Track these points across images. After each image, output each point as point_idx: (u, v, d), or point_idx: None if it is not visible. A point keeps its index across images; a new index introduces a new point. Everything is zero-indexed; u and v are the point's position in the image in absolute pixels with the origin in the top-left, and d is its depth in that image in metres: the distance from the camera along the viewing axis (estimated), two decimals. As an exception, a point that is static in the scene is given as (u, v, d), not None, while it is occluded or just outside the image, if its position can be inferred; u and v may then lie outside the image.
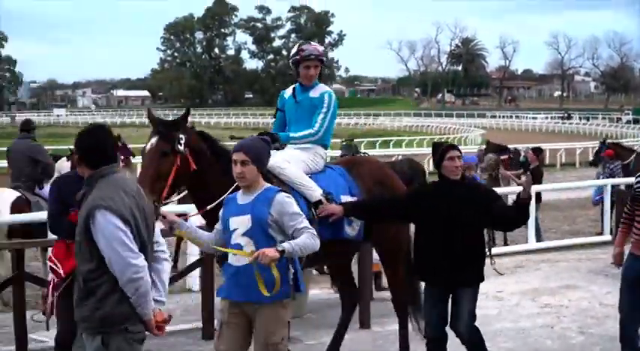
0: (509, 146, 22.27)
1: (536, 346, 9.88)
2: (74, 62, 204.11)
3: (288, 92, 8.22)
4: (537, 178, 18.22)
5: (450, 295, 7.40)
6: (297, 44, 8.31)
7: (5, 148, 13.99)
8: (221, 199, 6.88)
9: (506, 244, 16.04)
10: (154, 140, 6.83)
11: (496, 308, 11.42)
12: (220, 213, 6.52)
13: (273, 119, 8.66)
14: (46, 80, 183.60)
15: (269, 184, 6.49)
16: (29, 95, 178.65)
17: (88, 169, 5.64)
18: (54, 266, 6.97)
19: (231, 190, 6.84)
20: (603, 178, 18.83)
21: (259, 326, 6.26)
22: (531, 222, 15.70)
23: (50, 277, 7.22)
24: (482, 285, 12.40)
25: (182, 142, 6.91)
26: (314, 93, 8.00)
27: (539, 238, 16.93)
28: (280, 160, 7.47)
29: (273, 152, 7.27)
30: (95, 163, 5.62)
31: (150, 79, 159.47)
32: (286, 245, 5.95)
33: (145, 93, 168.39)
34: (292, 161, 7.60)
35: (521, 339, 10.06)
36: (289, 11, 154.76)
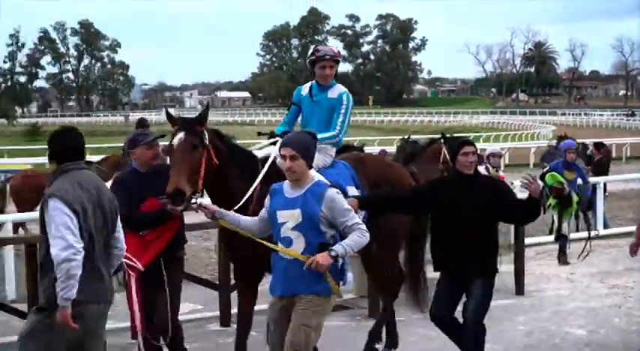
0: (578, 141, 21.37)
1: (604, 323, 9.73)
2: (182, 66, 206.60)
3: (305, 89, 7.84)
4: (601, 170, 18.47)
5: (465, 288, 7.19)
6: (314, 46, 8.03)
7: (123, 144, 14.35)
8: (244, 199, 6.60)
9: (577, 231, 15.40)
10: (182, 135, 6.47)
11: (568, 289, 11.41)
12: (266, 203, 6.17)
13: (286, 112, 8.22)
14: (156, 83, 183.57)
15: (317, 178, 6.22)
16: (141, 97, 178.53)
17: (56, 164, 5.73)
18: (130, 262, 6.58)
19: (252, 189, 6.61)
20: None
21: (299, 309, 5.94)
22: (600, 211, 15.70)
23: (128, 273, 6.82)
24: (556, 268, 11.40)
25: (206, 137, 6.65)
26: (332, 93, 7.68)
27: (605, 226, 16.63)
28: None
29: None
30: (61, 160, 5.67)
31: (250, 81, 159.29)
32: (339, 249, 5.71)
33: (246, 94, 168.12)
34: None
35: (591, 317, 9.95)
36: (376, 19, 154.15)
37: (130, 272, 6.56)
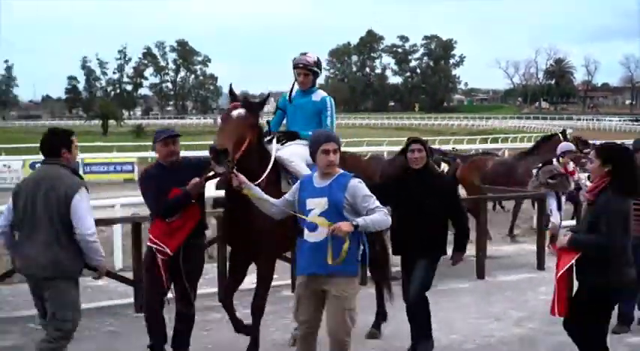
0: (590, 141, 20.40)
1: None
2: (261, 77, 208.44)
3: (288, 95, 7.37)
4: None
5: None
6: (294, 57, 7.43)
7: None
8: (258, 182, 6.08)
9: None
10: (242, 111, 6.11)
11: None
12: (293, 192, 5.73)
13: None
14: (240, 91, 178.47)
15: (342, 170, 5.77)
16: (227, 103, 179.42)
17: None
18: (159, 247, 6.19)
19: (264, 176, 6.22)
20: None
21: (335, 293, 5.53)
22: None
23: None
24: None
25: (259, 120, 6.44)
26: (316, 97, 7.18)
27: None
28: (288, 154, 6.83)
29: (279, 147, 6.89)
30: (44, 155, 5.84)
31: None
32: (360, 221, 5.34)
33: None
34: (296, 156, 6.84)
35: None
36: (423, 39, 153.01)
37: (160, 256, 6.14)
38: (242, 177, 5.75)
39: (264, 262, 6.53)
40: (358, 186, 5.53)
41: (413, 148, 6.61)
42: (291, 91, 7.28)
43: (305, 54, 7.12)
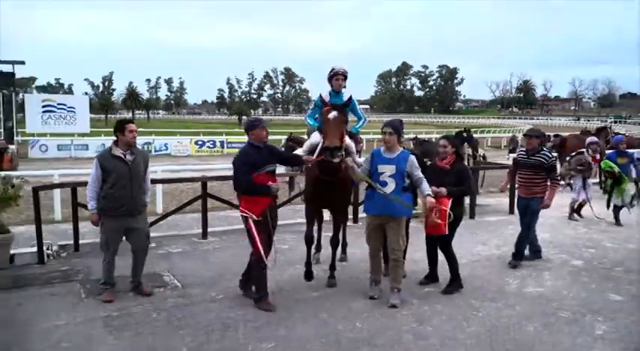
0: (547, 134, 16.95)
1: (561, 232, 9.55)
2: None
3: (325, 96, 6.69)
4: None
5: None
6: (331, 67, 6.99)
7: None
8: (316, 154, 6.17)
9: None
10: (335, 113, 5.93)
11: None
12: (367, 161, 5.93)
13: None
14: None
15: (403, 148, 5.93)
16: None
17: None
18: (247, 215, 5.65)
19: (317, 153, 6.17)
20: None
21: (394, 225, 5.85)
22: None
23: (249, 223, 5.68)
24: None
25: (347, 117, 6.08)
26: (345, 97, 6.80)
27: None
28: (348, 142, 6.43)
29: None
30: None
31: (370, 99, 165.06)
32: (427, 191, 5.76)
33: (367, 106, 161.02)
34: (352, 144, 6.66)
35: (555, 229, 9.70)
36: (437, 67, 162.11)
37: (250, 220, 5.61)
38: (348, 163, 5.85)
39: (343, 212, 6.65)
40: (414, 160, 5.80)
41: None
42: (329, 94, 6.93)
43: (340, 66, 7.03)
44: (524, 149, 7.57)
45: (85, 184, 10.05)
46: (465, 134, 13.22)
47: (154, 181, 8.49)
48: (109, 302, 5.78)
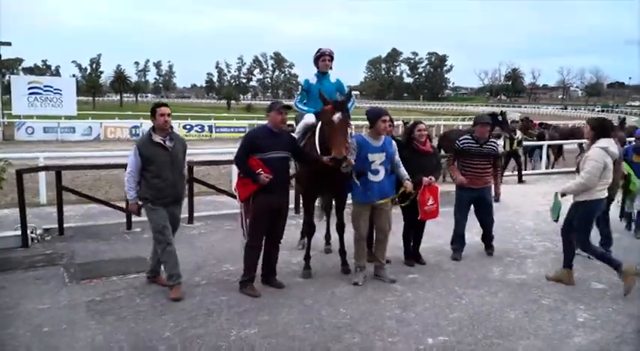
0: (535, 121, 19.03)
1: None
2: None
3: (312, 79, 6.79)
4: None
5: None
6: (317, 48, 6.84)
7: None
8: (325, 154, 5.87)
9: None
10: (339, 114, 5.66)
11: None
12: (356, 150, 5.80)
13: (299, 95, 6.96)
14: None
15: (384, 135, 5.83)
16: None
17: None
18: (235, 193, 5.81)
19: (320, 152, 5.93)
20: None
21: (384, 208, 6.07)
22: None
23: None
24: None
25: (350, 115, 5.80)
26: (332, 79, 6.80)
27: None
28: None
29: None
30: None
31: (359, 85, 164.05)
32: (407, 181, 5.94)
33: (356, 92, 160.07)
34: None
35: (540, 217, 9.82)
36: (427, 54, 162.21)
37: (239, 200, 5.66)
38: (351, 161, 5.67)
39: (343, 199, 6.47)
40: (395, 144, 6.00)
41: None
42: (316, 76, 6.86)
43: (326, 47, 6.88)
44: (470, 137, 7.18)
45: (70, 167, 10.22)
46: (499, 117, 12.91)
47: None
48: (177, 300, 5.46)
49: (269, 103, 5.82)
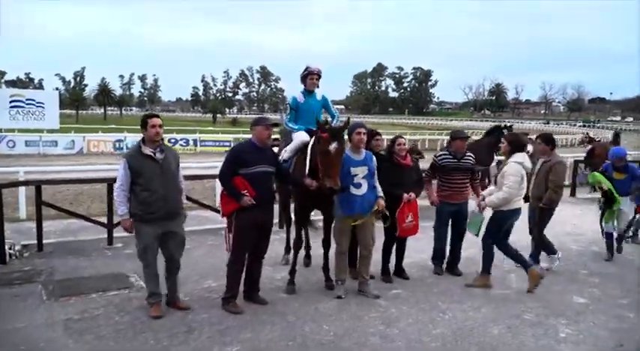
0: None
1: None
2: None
3: (299, 97, 6.86)
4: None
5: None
6: (305, 66, 6.88)
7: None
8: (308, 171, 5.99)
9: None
10: (336, 144, 5.62)
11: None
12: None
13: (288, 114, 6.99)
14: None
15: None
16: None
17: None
18: (219, 209, 5.78)
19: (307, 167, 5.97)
20: None
21: (368, 224, 6.05)
22: None
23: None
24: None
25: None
26: (318, 96, 6.86)
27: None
28: None
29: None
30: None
31: (345, 100, 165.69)
32: (381, 199, 5.94)
33: (342, 106, 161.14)
34: None
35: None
36: (412, 69, 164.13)
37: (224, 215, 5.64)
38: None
39: (330, 215, 6.37)
40: (375, 160, 6.02)
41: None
42: (302, 93, 6.91)
43: (314, 65, 6.94)
44: (447, 153, 7.13)
45: (50, 182, 10.09)
46: (504, 130, 12.58)
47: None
48: (157, 318, 5.33)
49: (255, 117, 5.75)
